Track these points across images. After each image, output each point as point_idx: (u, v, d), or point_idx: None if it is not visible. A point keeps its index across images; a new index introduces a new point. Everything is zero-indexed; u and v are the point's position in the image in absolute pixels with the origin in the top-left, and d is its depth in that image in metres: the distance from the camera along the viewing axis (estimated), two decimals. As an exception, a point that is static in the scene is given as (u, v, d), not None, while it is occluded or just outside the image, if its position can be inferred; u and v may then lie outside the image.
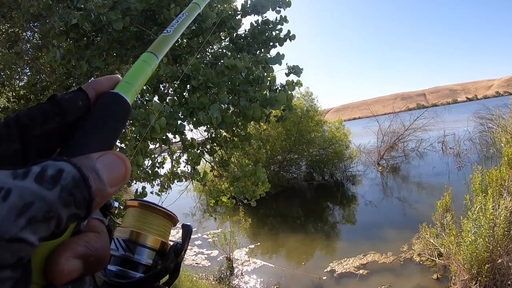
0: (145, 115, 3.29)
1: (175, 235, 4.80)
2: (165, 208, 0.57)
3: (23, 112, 0.31)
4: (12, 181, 0.22)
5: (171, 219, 0.59)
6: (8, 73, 6.62)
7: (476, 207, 4.89)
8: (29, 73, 6.74)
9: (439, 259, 5.96)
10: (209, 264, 8.21)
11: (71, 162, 0.25)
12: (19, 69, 6.73)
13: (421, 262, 6.41)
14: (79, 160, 0.26)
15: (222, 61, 3.98)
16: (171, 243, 0.59)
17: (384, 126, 17.19)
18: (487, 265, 4.71)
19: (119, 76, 0.40)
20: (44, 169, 0.24)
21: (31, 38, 6.65)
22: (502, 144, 7.67)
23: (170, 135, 4.07)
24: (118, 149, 3.86)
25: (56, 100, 0.33)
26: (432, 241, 6.16)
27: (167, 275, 0.56)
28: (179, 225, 0.63)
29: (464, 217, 5.18)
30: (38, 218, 0.22)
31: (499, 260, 4.75)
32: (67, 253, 0.27)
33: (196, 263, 8.36)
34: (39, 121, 0.31)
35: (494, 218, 4.73)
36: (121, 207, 0.61)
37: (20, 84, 6.94)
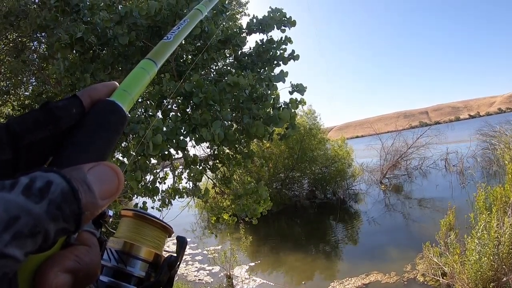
0: (144, 131, 3.30)
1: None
2: (160, 219, 0.56)
3: (14, 119, 0.30)
4: None
5: (166, 230, 0.57)
6: (14, 81, 6.63)
7: (480, 225, 4.84)
8: (35, 83, 6.76)
9: (443, 278, 5.85)
10: (211, 280, 8.11)
11: (61, 173, 0.24)
12: (24, 78, 6.74)
13: (425, 282, 6.28)
14: (69, 171, 0.25)
15: (226, 78, 4.00)
16: (165, 255, 0.57)
17: (387, 144, 17.11)
18: (492, 284, 4.63)
19: (116, 83, 0.39)
20: (33, 181, 0.23)
21: (38, 48, 6.69)
22: (506, 161, 7.61)
23: (172, 151, 4.06)
24: (119, 164, 3.86)
25: (49, 107, 0.32)
26: (436, 260, 6.05)
27: None
28: (174, 236, 0.62)
29: (468, 236, 5.11)
30: (24, 233, 0.21)
31: (504, 279, 4.67)
32: (56, 268, 0.26)
33: (199, 279, 8.27)
34: (30, 129, 0.30)
35: (499, 236, 4.67)
36: (117, 217, 0.59)
37: (25, 93, 6.97)
